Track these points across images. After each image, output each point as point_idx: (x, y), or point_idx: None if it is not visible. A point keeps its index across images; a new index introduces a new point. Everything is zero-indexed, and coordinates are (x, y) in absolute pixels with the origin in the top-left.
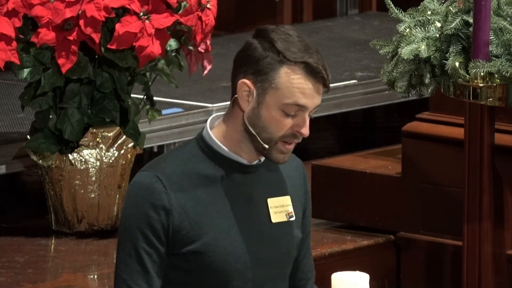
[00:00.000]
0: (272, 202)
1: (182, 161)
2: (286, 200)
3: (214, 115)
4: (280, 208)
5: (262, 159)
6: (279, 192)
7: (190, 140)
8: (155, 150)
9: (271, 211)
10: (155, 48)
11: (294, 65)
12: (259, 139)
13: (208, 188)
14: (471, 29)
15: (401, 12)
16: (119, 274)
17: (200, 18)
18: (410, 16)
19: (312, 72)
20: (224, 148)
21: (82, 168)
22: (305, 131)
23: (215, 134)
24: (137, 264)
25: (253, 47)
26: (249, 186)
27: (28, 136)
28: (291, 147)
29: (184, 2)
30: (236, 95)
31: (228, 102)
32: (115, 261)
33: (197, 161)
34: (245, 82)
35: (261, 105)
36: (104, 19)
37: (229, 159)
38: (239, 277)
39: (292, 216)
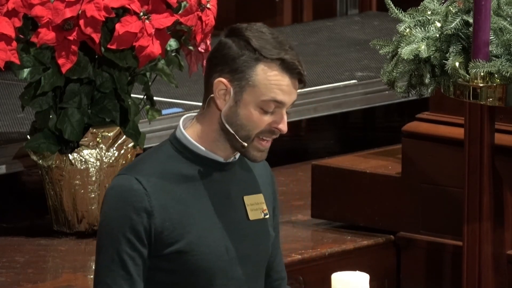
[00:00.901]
0: (248, 199)
1: (159, 162)
2: (260, 197)
3: (185, 116)
4: (256, 206)
5: (237, 156)
6: (253, 190)
7: (163, 142)
8: None
9: (248, 208)
10: (155, 48)
11: (270, 62)
12: (237, 137)
13: (188, 188)
14: (471, 29)
15: (401, 12)
16: (102, 280)
17: (200, 18)
18: (410, 16)
19: (288, 68)
20: (200, 147)
21: (82, 168)
22: (283, 127)
23: (189, 134)
24: (120, 269)
25: (227, 46)
26: (226, 184)
27: (28, 136)
28: (268, 144)
29: (184, 2)
30: (212, 95)
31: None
32: (94, 265)
33: (174, 162)
34: (222, 81)
35: (238, 103)
36: (104, 19)
37: (206, 158)
38: (223, 275)
39: (267, 214)
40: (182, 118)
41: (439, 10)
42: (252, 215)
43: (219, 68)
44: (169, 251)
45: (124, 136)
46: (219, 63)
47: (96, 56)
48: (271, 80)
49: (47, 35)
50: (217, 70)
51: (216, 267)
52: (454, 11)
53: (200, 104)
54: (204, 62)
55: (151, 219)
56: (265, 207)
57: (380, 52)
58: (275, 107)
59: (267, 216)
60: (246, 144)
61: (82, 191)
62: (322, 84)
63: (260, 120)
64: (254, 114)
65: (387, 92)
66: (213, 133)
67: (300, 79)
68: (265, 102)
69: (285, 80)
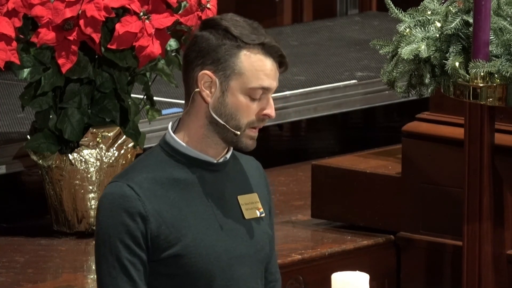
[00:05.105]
0: (242, 199)
1: (150, 168)
2: (255, 197)
3: (174, 119)
4: (251, 205)
5: (228, 155)
6: (247, 189)
7: (153, 147)
8: None
9: (243, 208)
10: (155, 48)
11: (252, 48)
12: (228, 127)
13: (181, 191)
14: (471, 29)
15: (401, 12)
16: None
17: (200, 18)
18: (410, 16)
19: (270, 52)
20: (190, 149)
21: (82, 168)
22: (272, 112)
23: (179, 136)
24: (122, 275)
25: (205, 38)
26: (220, 185)
27: (28, 136)
28: (257, 130)
29: (184, 2)
30: (196, 89)
31: None
32: (96, 275)
33: (166, 167)
34: (206, 73)
35: (225, 93)
36: (104, 19)
37: (197, 160)
38: (222, 276)
39: (262, 212)
40: (170, 122)
41: (439, 10)
42: (248, 214)
43: (200, 61)
44: (167, 255)
45: (124, 136)
46: (198, 56)
47: (96, 56)
48: (256, 65)
49: (47, 35)
50: (198, 64)
51: (215, 269)
52: (454, 11)
53: None
54: None
55: (146, 224)
56: (260, 206)
57: (380, 52)
58: (262, 94)
59: (263, 215)
60: (238, 133)
61: (82, 191)
62: (322, 84)
63: (249, 108)
64: (242, 102)
65: (387, 92)
66: (202, 129)
67: (281, 62)
68: (253, 89)
69: (269, 65)
